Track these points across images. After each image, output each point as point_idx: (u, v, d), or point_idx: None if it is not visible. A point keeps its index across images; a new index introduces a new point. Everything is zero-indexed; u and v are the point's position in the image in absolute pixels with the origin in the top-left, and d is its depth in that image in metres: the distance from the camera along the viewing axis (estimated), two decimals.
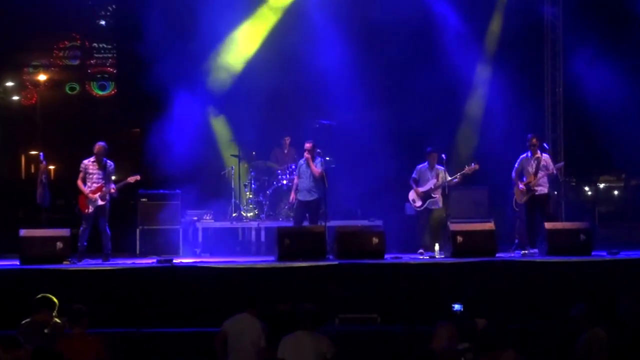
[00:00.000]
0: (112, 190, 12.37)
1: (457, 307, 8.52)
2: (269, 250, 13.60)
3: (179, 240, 13.80)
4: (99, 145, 12.42)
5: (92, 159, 12.41)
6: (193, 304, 10.58)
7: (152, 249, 13.45)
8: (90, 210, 12.25)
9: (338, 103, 15.24)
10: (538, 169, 12.74)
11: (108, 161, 12.45)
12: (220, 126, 15.80)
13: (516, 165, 12.98)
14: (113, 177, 12.51)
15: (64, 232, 11.87)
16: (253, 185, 14.73)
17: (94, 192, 12.26)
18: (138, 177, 12.71)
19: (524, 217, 13.06)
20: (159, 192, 14.18)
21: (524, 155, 12.95)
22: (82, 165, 12.42)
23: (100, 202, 12.27)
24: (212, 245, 14.26)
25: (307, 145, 13.09)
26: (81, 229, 12.31)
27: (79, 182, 12.38)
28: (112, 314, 10.27)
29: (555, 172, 13.06)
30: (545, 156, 13.00)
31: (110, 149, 12.54)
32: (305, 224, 13.07)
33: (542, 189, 12.82)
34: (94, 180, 12.34)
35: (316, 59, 15.18)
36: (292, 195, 13.40)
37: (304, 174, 13.15)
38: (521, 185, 12.82)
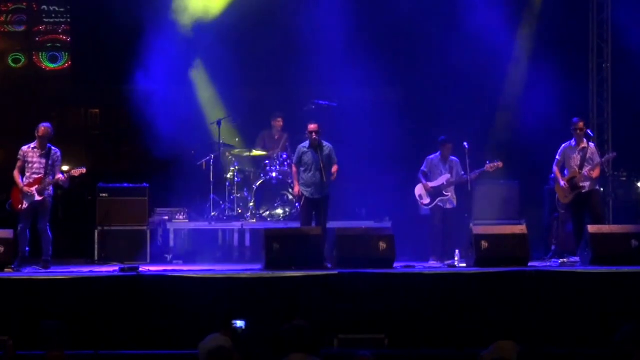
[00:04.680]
0: (63, 178, 12.38)
1: (239, 323, 8.54)
2: (254, 256, 13.63)
3: (146, 244, 13.84)
4: (44, 127, 12.40)
5: (33, 144, 12.42)
6: (162, 322, 10.60)
7: (113, 254, 13.51)
8: (24, 207, 12.27)
9: (339, 79, 15.27)
10: (584, 161, 12.71)
11: (53, 148, 12.46)
12: (196, 106, 15.85)
13: (558, 157, 12.96)
14: (65, 167, 12.53)
15: (7, 233, 11.93)
16: (236, 179, 14.76)
17: (30, 184, 12.30)
18: (84, 170, 12.66)
19: (568, 219, 13.06)
20: (122, 186, 14.21)
21: (567, 144, 12.91)
22: (21, 153, 12.42)
23: (37, 197, 12.30)
24: (187, 250, 14.30)
25: (313, 127, 12.88)
26: (19, 229, 12.29)
27: (16, 173, 12.38)
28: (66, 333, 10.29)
29: (601, 164, 12.97)
30: (593, 146, 12.94)
31: (63, 133, 12.57)
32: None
33: (588, 186, 12.76)
34: (34, 171, 12.36)
35: (311, 21, 15.19)
36: (297, 187, 13.00)
37: (311, 163, 12.88)
38: (562, 182, 12.81)
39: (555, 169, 12.97)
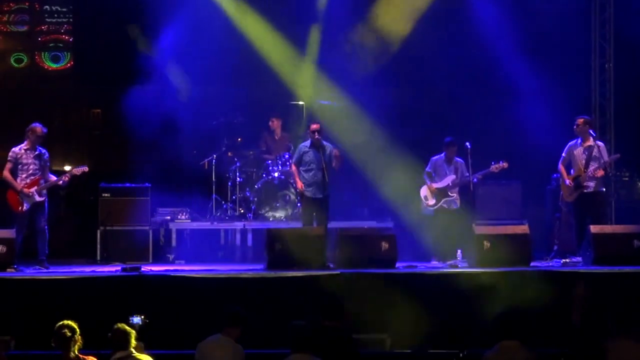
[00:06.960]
0: (67, 179, 12.37)
1: (136, 319, 8.59)
2: (256, 256, 13.62)
3: (148, 244, 13.84)
4: (37, 127, 12.39)
5: (24, 145, 12.40)
6: (164, 322, 10.58)
7: (115, 254, 13.51)
8: (25, 209, 12.26)
9: (340, 78, 15.26)
10: (589, 160, 12.65)
11: (41, 148, 12.48)
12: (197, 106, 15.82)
13: (563, 154, 12.89)
14: (67, 167, 12.50)
15: (8, 233, 11.90)
16: (238, 179, 14.75)
17: (29, 186, 12.28)
18: (85, 169, 12.74)
19: (569, 218, 13.03)
20: (125, 186, 14.22)
21: (573, 142, 12.85)
22: (12, 154, 12.36)
23: (38, 198, 12.31)
24: (189, 250, 14.30)
25: (315, 126, 12.89)
26: (15, 230, 12.23)
27: (9, 175, 12.29)
28: None
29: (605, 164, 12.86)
30: (600, 144, 12.82)
31: (65, 133, 12.55)
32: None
33: (593, 186, 12.69)
34: (30, 172, 12.36)
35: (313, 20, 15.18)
36: (300, 183, 12.99)
37: (312, 163, 12.90)
38: (567, 181, 12.76)
39: (560, 166, 12.91)
